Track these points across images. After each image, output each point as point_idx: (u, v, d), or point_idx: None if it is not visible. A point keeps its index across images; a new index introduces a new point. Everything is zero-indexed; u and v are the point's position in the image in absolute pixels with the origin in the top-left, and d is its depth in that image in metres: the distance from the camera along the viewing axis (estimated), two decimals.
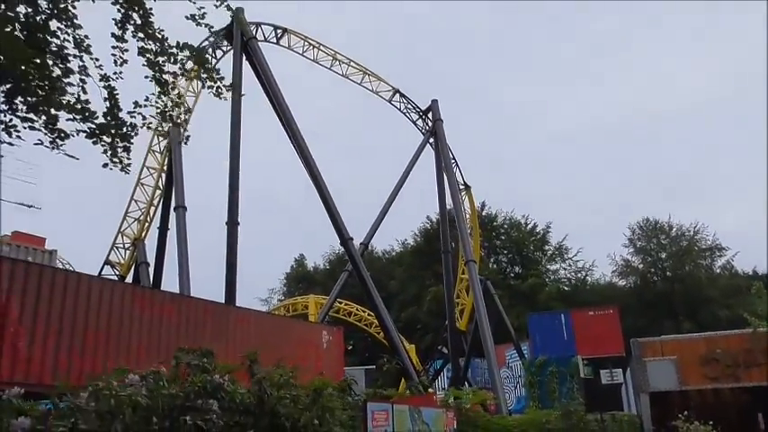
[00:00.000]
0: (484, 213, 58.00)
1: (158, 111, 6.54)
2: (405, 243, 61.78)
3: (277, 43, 31.51)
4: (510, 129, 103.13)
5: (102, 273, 23.24)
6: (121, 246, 23.92)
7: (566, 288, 53.07)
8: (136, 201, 24.25)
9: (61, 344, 10.32)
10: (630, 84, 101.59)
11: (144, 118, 6.52)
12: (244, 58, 26.84)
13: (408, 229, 66.90)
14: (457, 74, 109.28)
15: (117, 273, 23.48)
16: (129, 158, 6.40)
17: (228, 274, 21.64)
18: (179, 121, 7.50)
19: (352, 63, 34.01)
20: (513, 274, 55.27)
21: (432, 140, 33.91)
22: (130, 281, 22.39)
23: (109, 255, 23.74)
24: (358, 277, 21.89)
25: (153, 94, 6.40)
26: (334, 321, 48.66)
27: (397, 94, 35.16)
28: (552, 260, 55.37)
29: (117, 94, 6.17)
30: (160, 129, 8.38)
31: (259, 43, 30.17)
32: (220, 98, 6.88)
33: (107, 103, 6.10)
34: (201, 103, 27.04)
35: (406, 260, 58.75)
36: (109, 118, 6.09)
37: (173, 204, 21.79)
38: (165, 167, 23.68)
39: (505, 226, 57.69)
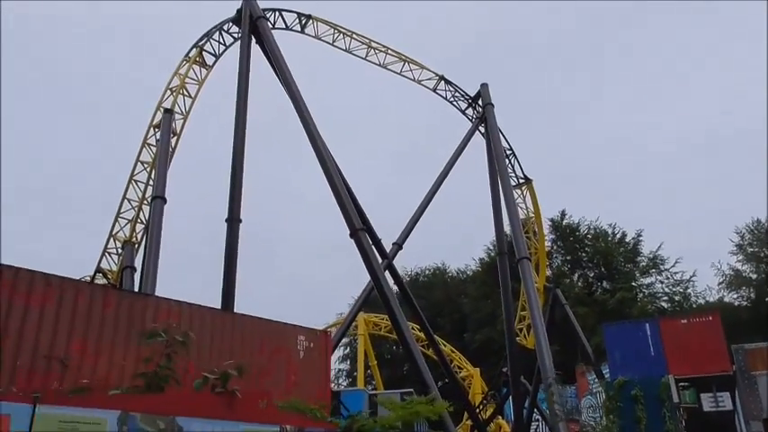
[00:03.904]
0: (564, 223, 52.27)
1: None
2: (481, 260, 56.81)
3: (302, 32, 28.34)
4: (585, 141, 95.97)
5: (94, 281, 20.52)
6: (114, 251, 21.15)
7: (664, 304, 45.88)
8: (128, 200, 21.48)
9: None
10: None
11: None
12: (254, 41, 23.96)
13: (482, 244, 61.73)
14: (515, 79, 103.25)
15: (109, 281, 20.68)
16: None
17: (227, 277, 18.27)
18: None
19: (389, 51, 30.27)
20: (600, 290, 48.71)
21: (482, 128, 29.57)
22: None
23: (100, 262, 21.02)
24: (369, 272, 17.75)
25: None
26: (381, 341, 44.43)
27: (443, 82, 31.11)
28: (646, 273, 48.26)
29: None
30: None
31: (283, 32, 27.46)
32: None
33: None
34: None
35: (479, 277, 53.63)
36: None
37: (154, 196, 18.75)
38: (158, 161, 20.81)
39: (589, 236, 51.30)
